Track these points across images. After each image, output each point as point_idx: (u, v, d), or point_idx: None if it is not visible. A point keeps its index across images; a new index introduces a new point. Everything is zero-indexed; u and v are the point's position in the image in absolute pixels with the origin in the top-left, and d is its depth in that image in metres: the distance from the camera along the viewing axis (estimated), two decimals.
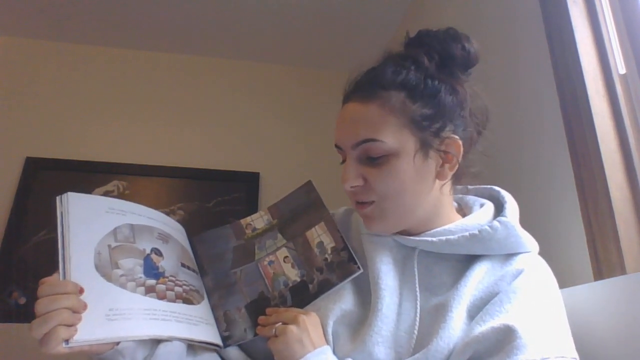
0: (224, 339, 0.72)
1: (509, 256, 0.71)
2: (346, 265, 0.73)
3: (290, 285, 0.75)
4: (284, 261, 0.78)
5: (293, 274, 0.76)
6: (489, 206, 0.77)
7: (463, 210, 0.80)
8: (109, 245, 0.66)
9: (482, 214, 0.75)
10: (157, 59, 2.61)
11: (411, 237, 0.73)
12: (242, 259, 0.81)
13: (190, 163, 2.39)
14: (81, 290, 0.59)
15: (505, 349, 0.58)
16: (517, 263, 0.69)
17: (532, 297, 0.65)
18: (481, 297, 0.67)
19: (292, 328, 0.65)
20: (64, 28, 2.42)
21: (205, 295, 0.76)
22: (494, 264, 0.70)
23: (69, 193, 0.67)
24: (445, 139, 0.70)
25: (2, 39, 2.45)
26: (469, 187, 0.83)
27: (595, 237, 0.91)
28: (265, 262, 0.79)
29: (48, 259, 2.06)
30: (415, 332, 0.65)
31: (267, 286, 0.76)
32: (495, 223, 0.70)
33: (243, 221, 0.86)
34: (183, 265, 0.75)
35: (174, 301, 0.68)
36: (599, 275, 0.89)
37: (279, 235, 0.82)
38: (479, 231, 0.70)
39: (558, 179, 1.05)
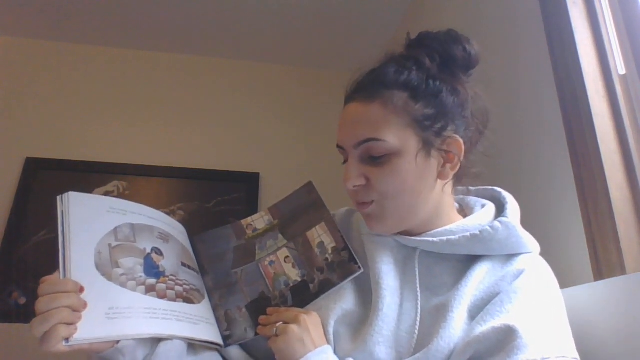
0: (225, 338, 0.72)
1: (510, 257, 0.71)
2: (347, 265, 0.73)
3: (291, 285, 0.75)
4: (285, 261, 0.78)
5: (294, 274, 0.76)
6: (490, 207, 0.77)
7: (464, 211, 0.80)
8: (110, 245, 0.66)
9: (483, 214, 0.75)
10: (157, 59, 2.61)
11: (412, 238, 0.73)
12: (243, 259, 0.81)
13: (190, 163, 2.39)
14: (81, 289, 0.59)
15: (506, 348, 0.58)
16: (518, 263, 0.70)
17: (533, 297, 0.65)
18: (482, 298, 0.67)
19: (293, 327, 0.65)
20: (64, 28, 2.42)
21: (205, 295, 0.76)
22: (495, 265, 0.70)
23: (70, 192, 0.67)
24: (447, 139, 0.70)
25: (2, 39, 2.45)
26: (470, 188, 0.84)
27: (595, 237, 0.91)
28: (266, 262, 0.79)
29: (48, 259, 2.06)
30: (416, 332, 0.65)
31: (268, 286, 0.76)
32: (496, 223, 0.70)
33: (244, 221, 0.86)
34: (183, 264, 0.75)
35: (175, 300, 0.68)
36: (599, 275, 0.89)
37: (280, 236, 0.82)
38: (480, 231, 0.70)
39: (558, 179, 1.05)
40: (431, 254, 0.72)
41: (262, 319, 0.71)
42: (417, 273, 0.71)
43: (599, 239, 0.90)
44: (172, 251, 0.75)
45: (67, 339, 0.55)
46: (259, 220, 0.86)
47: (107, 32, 2.46)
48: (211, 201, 2.36)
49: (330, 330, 0.68)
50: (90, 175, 2.28)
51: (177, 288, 0.70)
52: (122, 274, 0.64)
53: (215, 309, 0.75)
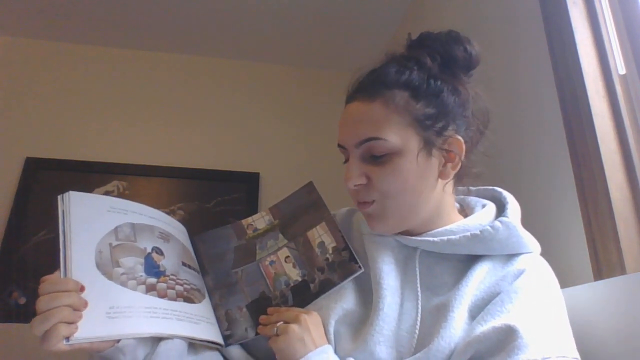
0: (225, 338, 0.72)
1: (511, 256, 0.71)
2: (347, 264, 0.73)
3: (292, 284, 0.75)
4: (285, 261, 0.78)
5: (294, 274, 0.76)
6: (491, 207, 0.77)
7: (465, 211, 0.81)
8: (110, 244, 0.66)
9: (483, 214, 0.75)
10: (157, 59, 2.61)
11: (413, 237, 0.73)
12: (243, 259, 0.81)
13: (190, 163, 2.39)
14: (82, 288, 0.59)
15: (506, 348, 0.58)
16: (518, 263, 0.70)
17: (534, 297, 0.65)
18: (482, 297, 0.67)
19: (294, 327, 0.65)
20: (64, 28, 2.42)
21: (206, 294, 0.76)
22: (496, 264, 0.70)
23: (71, 192, 0.67)
24: (448, 138, 0.70)
25: (2, 39, 2.45)
26: (471, 188, 0.84)
27: (595, 237, 0.91)
28: (267, 262, 0.79)
29: (48, 258, 2.06)
30: (417, 331, 0.65)
31: (269, 286, 0.76)
32: (497, 223, 0.70)
33: (244, 221, 0.86)
34: (184, 264, 0.75)
35: (175, 300, 0.68)
36: (599, 275, 0.89)
37: (280, 236, 0.82)
38: (481, 231, 0.70)
39: (558, 179, 1.05)
40: (432, 254, 0.73)
41: (262, 318, 0.71)
42: (418, 273, 0.71)
43: (599, 239, 0.90)
44: (173, 251, 0.75)
45: (67, 338, 0.55)
46: (260, 220, 0.86)
47: (107, 32, 2.46)
48: (211, 201, 2.36)
49: (331, 329, 0.68)
50: (90, 175, 2.28)
51: (178, 287, 0.70)
52: (123, 273, 0.64)
53: (215, 309, 0.75)
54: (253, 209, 2.32)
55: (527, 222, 0.75)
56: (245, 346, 0.74)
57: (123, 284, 0.63)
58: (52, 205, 0.66)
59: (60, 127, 2.36)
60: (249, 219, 0.86)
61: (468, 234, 0.70)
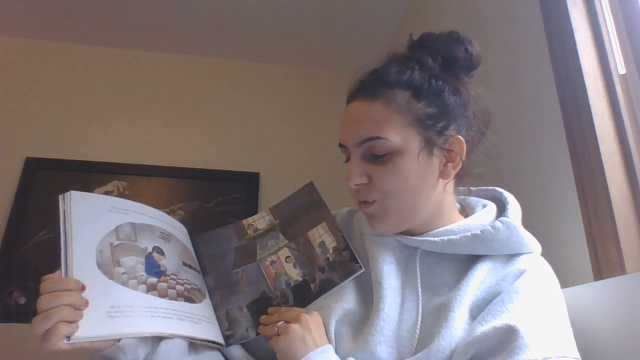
0: (226, 337, 0.72)
1: (511, 256, 0.71)
2: (348, 264, 0.73)
3: (292, 284, 0.75)
4: (286, 261, 0.78)
5: (295, 274, 0.76)
6: (492, 207, 0.77)
7: (465, 211, 0.81)
8: (111, 244, 0.66)
9: (484, 214, 0.75)
10: (157, 59, 2.61)
11: (413, 237, 0.73)
12: (244, 259, 0.81)
13: (190, 163, 2.39)
14: (83, 288, 0.59)
15: (507, 348, 0.58)
16: (519, 263, 0.70)
17: (534, 297, 0.65)
18: (483, 297, 0.67)
19: (295, 327, 0.65)
20: (64, 28, 2.42)
21: (207, 294, 0.76)
22: (496, 264, 0.71)
23: (72, 191, 0.67)
24: (449, 138, 0.70)
25: (2, 39, 2.45)
26: (472, 188, 0.84)
27: (595, 237, 0.91)
28: (267, 262, 0.79)
29: (48, 258, 2.06)
30: (417, 331, 0.65)
31: (269, 286, 0.76)
32: (498, 223, 0.71)
33: (245, 222, 0.87)
34: (185, 264, 0.75)
35: (176, 299, 0.68)
36: (599, 275, 0.89)
37: (281, 236, 0.82)
38: (481, 231, 0.70)
39: (558, 179, 1.06)
40: (432, 254, 0.73)
41: (263, 318, 0.71)
42: (419, 273, 0.71)
43: (599, 239, 0.90)
44: (174, 250, 0.75)
45: (68, 337, 0.55)
46: (260, 221, 0.86)
47: (107, 32, 2.46)
48: (211, 201, 2.36)
49: (332, 329, 0.68)
50: (90, 175, 2.28)
51: (178, 287, 0.70)
52: (124, 273, 0.64)
53: (216, 309, 0.75)
54: (253, 209, 2.32)
55: (527, 222, 0.75)
56: (246, 346, 0.74)
57: (124, 284, 0.63)
58: (53, 205, 0.66)
59: (60, 127, 2.36)
60: (250, 219, 0.86)
61: (469, 234, 0.70)
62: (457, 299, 0.65)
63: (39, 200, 2.19)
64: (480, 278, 0.68)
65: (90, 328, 0.57)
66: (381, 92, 0.69)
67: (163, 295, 0.67)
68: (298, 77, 2.72)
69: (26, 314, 1.98)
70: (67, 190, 0.67)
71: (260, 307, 0.74)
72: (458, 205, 0.81)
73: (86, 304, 0.58)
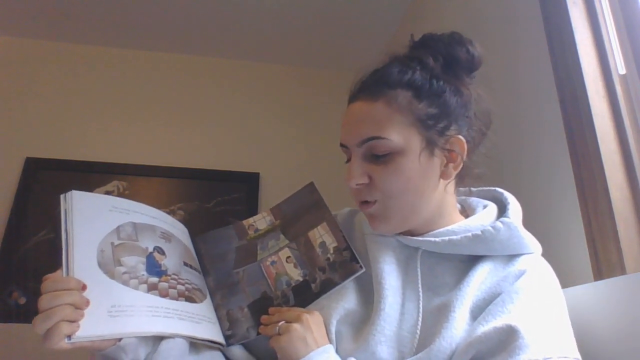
0: (227, 337, 0.72)
1: (512, 257, 0.72)
2: (348, 264, 0.73)
3: (293, 284, 0.75)
4: (287, 261, 0.78)
5: (295, 274, 0.76)
6: (492, 207, 0.77)
7: (466, 212, 0.81)
8: (112, 243, 0.66)
9: (485, 215, 0.75)
10: (157, 59, 2.61)
11: (414, 238, 0.73)
12: (245, 259, 0.81)
13: (190, 163, 2.39)
14: (84, 287, 0.59)
15: (507, 349, 0.58)
16: (519, 264, 0.70)
17: (535, 297, 0.65)
18: (484, 298, 0.67)
19: (296, 326, 0.65)
20: (64, 28, 2.42)
21: (207, 294, 0.76)
22: (497, 265, 0.71)
23: (73, 191, 0.67)
24: (450, 138, 0.70)
25: (2, 39, 2.45)
26: (472, 189, 0.84)
27: (595, 237, 0.92)
28: (268, 262, 0.79)
29: (48, 258, 2.06)
30: (418, 332, 0.65)
31: (270, 286, 0.76)
32: (498, 224, 0.71)
33: (245, 222, 0.87)
34: (186, 264, 0.75)
35: (177, 299, 0.68)
36: (599, 275, 0.89)
37: (282, 236, 0.82)
38: (482, 232, 0.70)
39: (558, 179, 1.06)
40: (433, 254, 0.73)
41: (264, 318, 0.71)
42: (419, 273, 0.71)
43: (599, 239, 0.90)
44: (174, 250, 0.75)
45: (69, 337, 0.55)
46: (261, 221, 0.86)
47: (107, 32, 2.46)
48: (211, 201, 2.36)
49: (332, 329, 0.68)
50: (90, 175, 2.28)
51: (179, 287, 0.70)
52: (125, 272, 0.64)
53: (217, 309, 0.75)
54: (253, 209, 2.32)
55: (527, 223, 0.75)
56: (246, 346, 0.74)
57: (125, 283, 0.63)
58: (53, 204, 0.66)
59: (60, 127, 2.36)
60: (250, 220, 0.87)
61: (469, 234, 0.70)
62: (458, 300, 0.65)
63: (39, 200, 2.18)
64: (480, 278, 0.68)
65: (91, 327, 0.57)
66: (383, 92, 0.69)
67: (164, 295, 0.67)
68: (298, 77, 2.72)
69: (26, 314, 1.98)
70: (67, 190, 0.67)
71: (261, 307, 0.74)
72: (459, 206, 0.81)
73: (87, 303, 0.58)
